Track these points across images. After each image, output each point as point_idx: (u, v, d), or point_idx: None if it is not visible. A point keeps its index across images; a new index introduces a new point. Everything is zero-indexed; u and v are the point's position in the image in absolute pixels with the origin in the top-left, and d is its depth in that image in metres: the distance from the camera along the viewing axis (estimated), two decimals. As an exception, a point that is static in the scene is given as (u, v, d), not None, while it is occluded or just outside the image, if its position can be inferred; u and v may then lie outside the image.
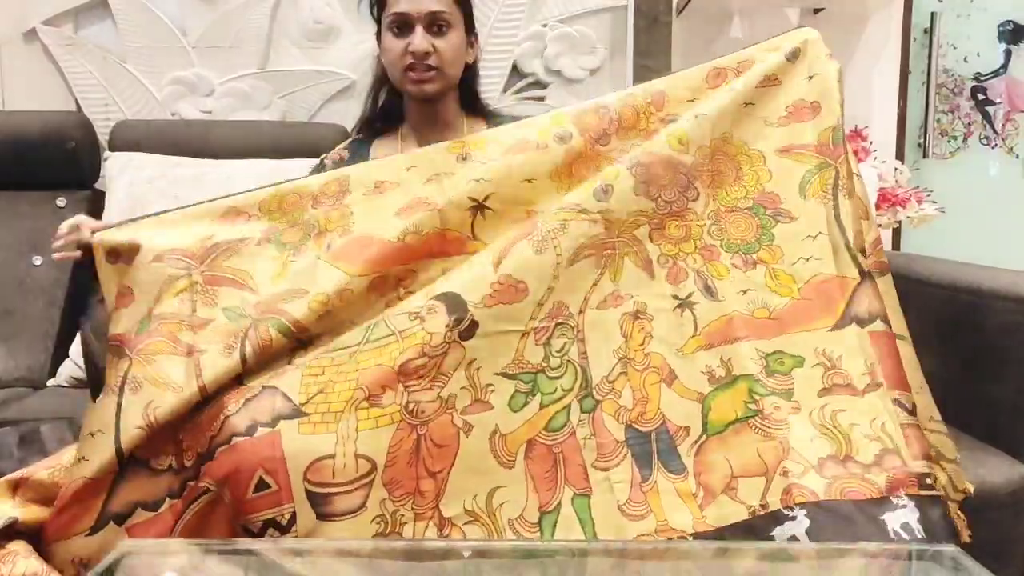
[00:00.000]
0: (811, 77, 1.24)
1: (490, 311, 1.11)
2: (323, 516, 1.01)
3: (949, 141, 2.50)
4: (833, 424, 1.08)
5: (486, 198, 1.19)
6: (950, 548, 0.91)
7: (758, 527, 1.03)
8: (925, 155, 2.46)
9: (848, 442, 1.07)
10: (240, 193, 1.27)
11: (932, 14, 2.41)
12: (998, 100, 2.49)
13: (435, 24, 1.47)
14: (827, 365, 1.11)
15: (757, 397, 1.11)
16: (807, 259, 1.17)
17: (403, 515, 1.04)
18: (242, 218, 1.25)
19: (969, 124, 2.50)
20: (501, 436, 1.09)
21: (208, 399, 1.08)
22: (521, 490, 1.08)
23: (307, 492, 1.01)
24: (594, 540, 1.05)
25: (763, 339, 1.14)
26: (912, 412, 1.09)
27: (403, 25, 1.47)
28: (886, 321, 1.13)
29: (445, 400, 1.08)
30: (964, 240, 2.18)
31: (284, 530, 1.00)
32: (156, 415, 1.08)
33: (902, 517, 1.02)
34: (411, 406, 1.07)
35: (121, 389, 1.11)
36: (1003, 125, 2.50)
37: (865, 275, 1.15)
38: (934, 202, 1.99)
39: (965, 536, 1.06)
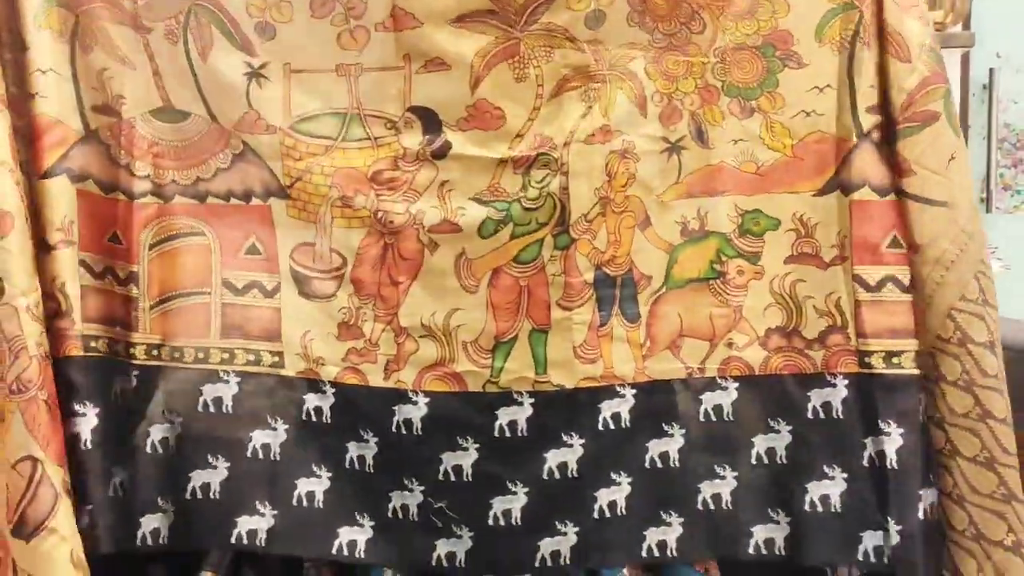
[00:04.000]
0: None
1: (465, 135, 1.11)
2: (304, 294, 1.13)
3: (1012, 196, 2.46)
4: (791, 294, 1.10)
5: None
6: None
7: (691, 387, 1.12)
8: (988, 210, 2.42)
9: (799, 315, 1.10)
10: None
11: (991, 70, 2.40)
12: (1062, 154, 2.45)
13: None
14: (800, 232, 1.11)
15: (724, 258, 1.12)
16: (808, 113, 1.11)
17: (365, 313, 1.13)
18: None
19: (1033, 178, 2.46)
20: (467, 260, 1.12)
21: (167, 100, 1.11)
22: (480, 316, 1.12)
23: (291, 270, 1.13)
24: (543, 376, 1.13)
25: (744, 195, 1.12)
26: (875, 288, 1.07)
27: None
28: (883, 189, 1.07)
29: (413, 215, 1.11)
30: (1031, 297, 2.13)
31: (268, 294, 1.13)
32: (112, 86, 1.10)
33: (826, 396, 1.07)
34: (380, 214, 1.12)
35: (73, 50, 1.09)
36: (1069, 179, 2.46)
37: (863, 136, 1.08)
38: (999, 259, 1.95)
39: None
